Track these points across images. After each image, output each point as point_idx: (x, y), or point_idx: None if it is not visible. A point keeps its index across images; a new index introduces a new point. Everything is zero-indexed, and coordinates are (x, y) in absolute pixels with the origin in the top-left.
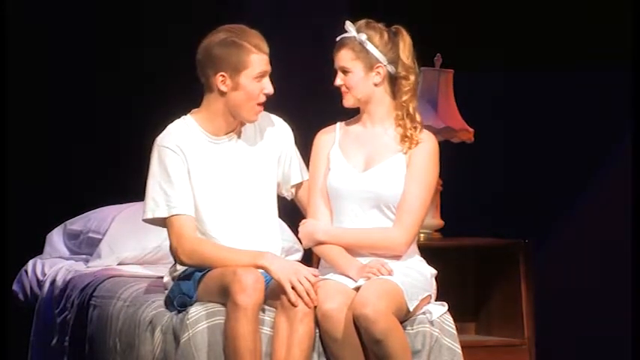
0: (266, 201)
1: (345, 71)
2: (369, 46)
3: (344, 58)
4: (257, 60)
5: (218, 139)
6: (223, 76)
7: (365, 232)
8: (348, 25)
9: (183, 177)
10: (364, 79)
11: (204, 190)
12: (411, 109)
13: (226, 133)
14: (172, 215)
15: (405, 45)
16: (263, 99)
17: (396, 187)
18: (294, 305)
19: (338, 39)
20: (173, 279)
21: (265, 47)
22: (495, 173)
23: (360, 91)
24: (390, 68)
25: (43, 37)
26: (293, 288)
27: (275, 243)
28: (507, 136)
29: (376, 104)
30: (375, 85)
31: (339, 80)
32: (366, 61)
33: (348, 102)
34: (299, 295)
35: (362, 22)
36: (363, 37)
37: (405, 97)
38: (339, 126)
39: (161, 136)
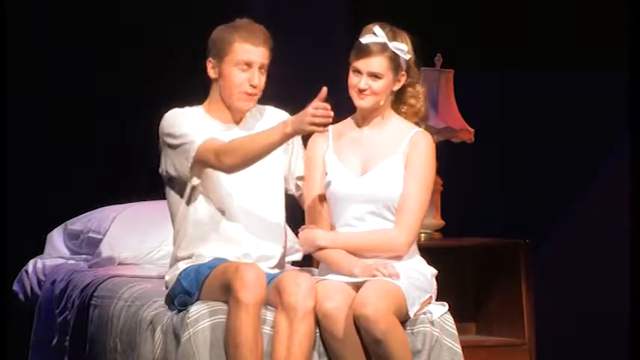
0: (272, 189)
1: (376, 77)
2: (404, 56)
3: (379, 65)
4: (240, 49)
5: (227, 126)
6: (211, 62)
7: (366, 234)
8: (378, 30)
9: (193, 120)
10: (390, 87)
11: (211, 176)
12: (423, 111)
13: (233, 123)
14: (197, 152)
15: (412, 50)
16: (247, 89)
17: (395, 189)
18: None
19: (366, 42)
20: (174, 278)
21: (256, 40)
22: (495, 173)
23: (384, 97)
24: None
25: (43, 37)
26: (315, 124)
27: (278, 227)
28: (507, 136)
29: (380, 107)
30: (392, 91)
31: (364, 83)
32: (397, 70)
33: (368, 104)
34: (323, 120)
35: (388, 28)
36: (404, 47)
37: (413, 100)
38: (330, 129)
39: (166, 114)
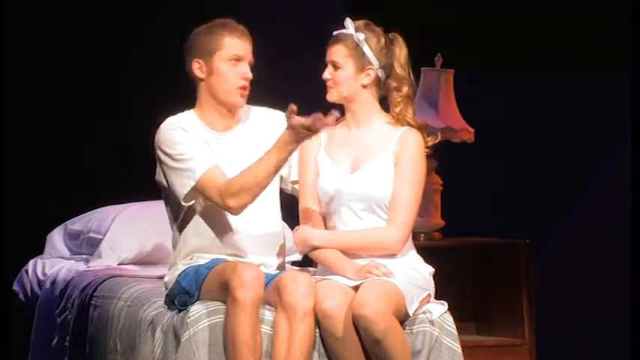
0: (268, 195)
1: (335, 66)
2: (365, 47)
3: (337, 53)
4: (230, 43)
5: (219, 134)
6: (198, 62)
7: (359, 233)
8: (348, 22)
9: (190, 141)
10: (353, 78)
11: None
12: (409, 119)
13: (226, 129)
14: (198, 179)
15: (401, 54)
16: (242, 83)
17: (385, 187)
18: (317, 127)
19: (335, 33)
20: (173, 278)
21: (243, 35)
22: (495, 173)
23: (345, 89)
24: (381, 73)
25: (43, 37)
26: (310, 129)
27: (277, 235)
28: (507, 136)
29: (361, 105)
30: (363, 86)
31: (327, 74)
32: (359, 61)
33: (332, 97)
34: (318, 126)
35: (361, 22)
36: (361, 36)
37: (398, 109)
38: (323, 134)
39: (161, 126)
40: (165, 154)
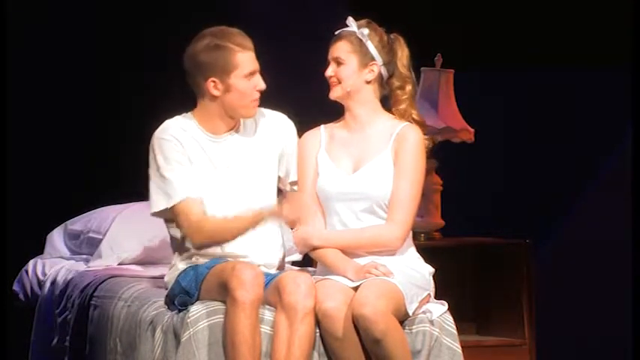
0: (266, 196)
1: (338, 62)
2: (368, 43)
3: (341, 49)
4: (244, 59)
5: (218, 138)
6: (214, 81)
7: (359, 232)
8: (350, 20)
9: (181, 162)
10: (356, 74)
11: (202, 186)
12: (415, 116)
13: (225, 132)
14: (175, 204)
15: (403, 53)
16: (257, 95)
17: (386, 186)
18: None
19: (337, 32)
20: (173, 278)
21: (249, 44)
22: (495, 173)
23: (349, 84)
24: (383, 70)
25: (43, 37)
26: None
27: (276, 235)
28: (507, 136)
29: (362, 102)
30: (367, 82)
31: (330, 71)
32: (362, 56)
33: (336, 93)
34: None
35: (363, 20)
36: (365, 31)
37: (402, 106)
38: (323, 129)
39: (158, 130)
40: (156, 163)
